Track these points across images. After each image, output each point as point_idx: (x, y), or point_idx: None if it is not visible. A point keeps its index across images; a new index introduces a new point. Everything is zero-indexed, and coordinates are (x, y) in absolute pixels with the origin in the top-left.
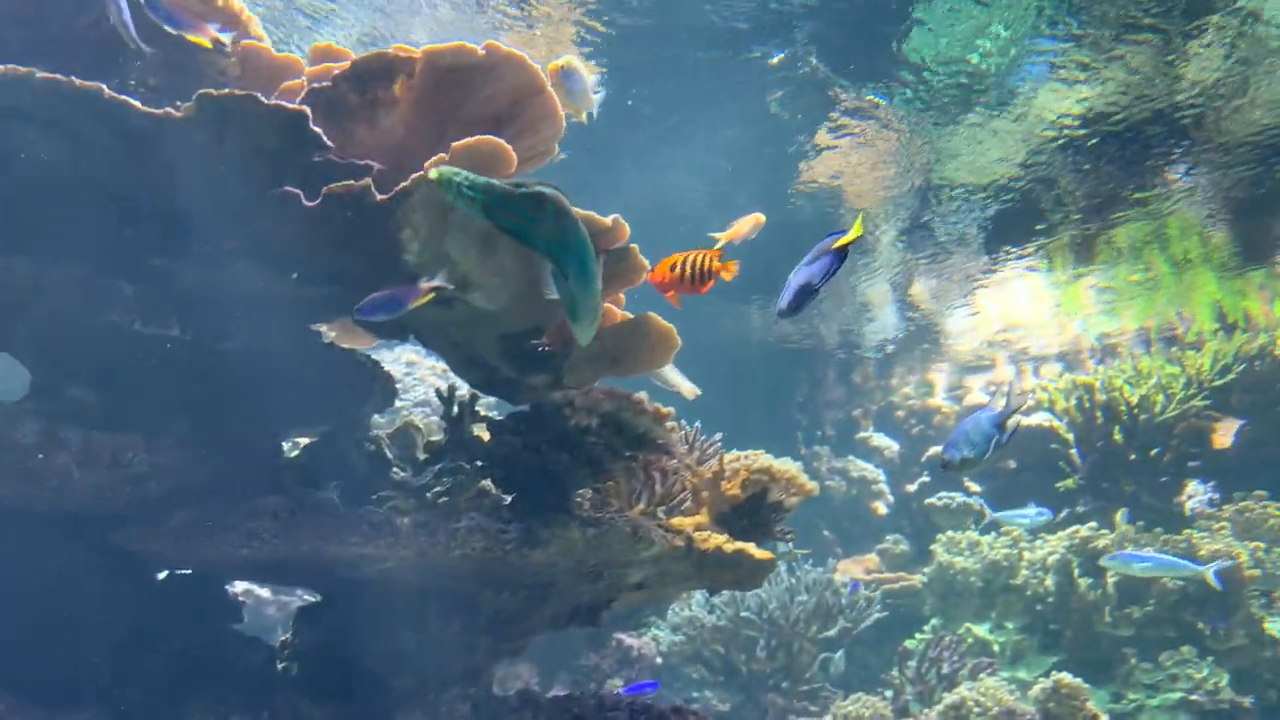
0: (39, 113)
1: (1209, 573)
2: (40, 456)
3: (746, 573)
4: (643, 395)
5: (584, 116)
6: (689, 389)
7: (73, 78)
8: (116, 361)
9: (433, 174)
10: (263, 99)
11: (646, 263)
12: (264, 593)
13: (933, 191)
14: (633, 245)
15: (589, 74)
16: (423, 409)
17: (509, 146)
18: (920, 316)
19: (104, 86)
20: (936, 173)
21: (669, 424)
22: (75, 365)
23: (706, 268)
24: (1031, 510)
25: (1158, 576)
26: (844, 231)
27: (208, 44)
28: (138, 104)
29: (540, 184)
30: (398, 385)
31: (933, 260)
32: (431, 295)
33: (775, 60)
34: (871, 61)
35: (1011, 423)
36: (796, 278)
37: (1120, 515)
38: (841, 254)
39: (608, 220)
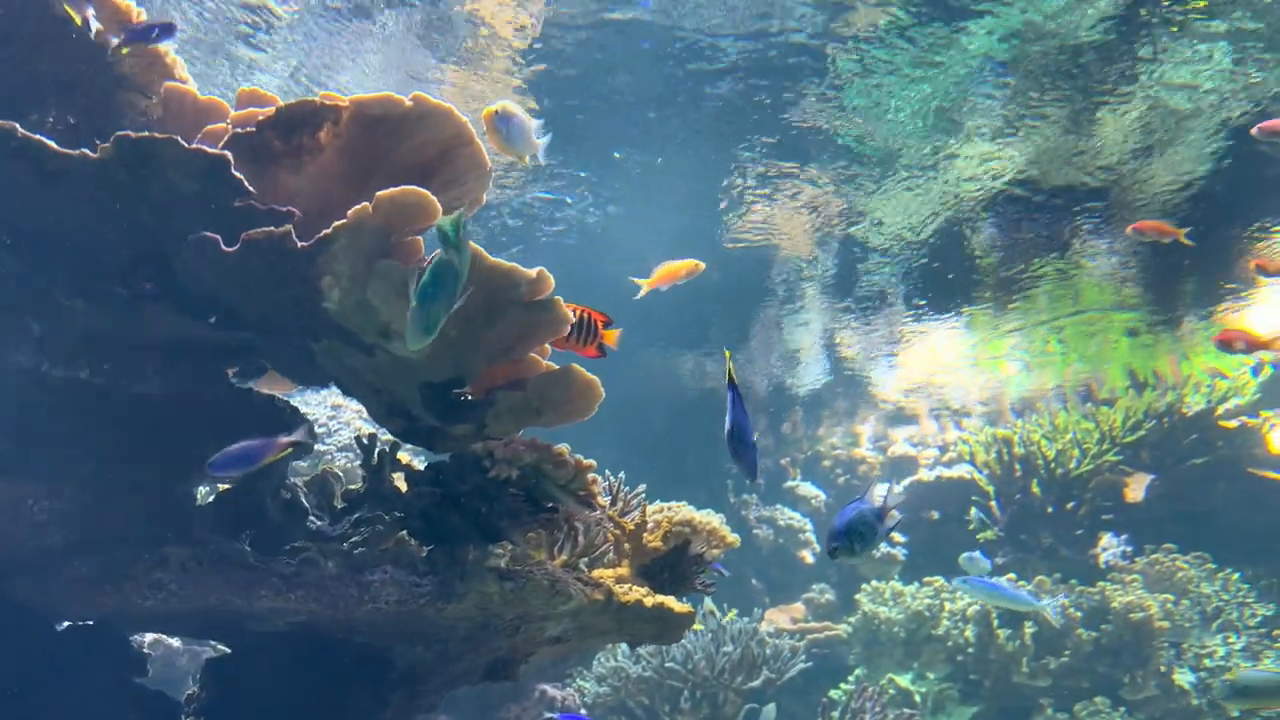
0: None
1: (1047, 609)
2: None
3: (667, 626)
4: (564, 447)
5: (526, 160)
6: None
7: None
8: (21, 404)
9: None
10: (183, 143)
11: (570, 314)
12: (175, 643)
13: (857, 246)
14: (556, 297)
15: (528, 118)
16: (347, 453)
17: (433, 198)
18: (846, 366)
19: (17, 125)
20: (860, 228)
21: (591, 476)
22: None
23: (589, 327)
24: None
25: (1001, 606)
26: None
27: (78, 20)
28: (52, 144)
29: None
30: (321, 429)
31: (857, 312)
32: (288, 450)
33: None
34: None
35: (890, 519)
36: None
37: (973, 511)
38: (733, 388)
39: (532, 272)
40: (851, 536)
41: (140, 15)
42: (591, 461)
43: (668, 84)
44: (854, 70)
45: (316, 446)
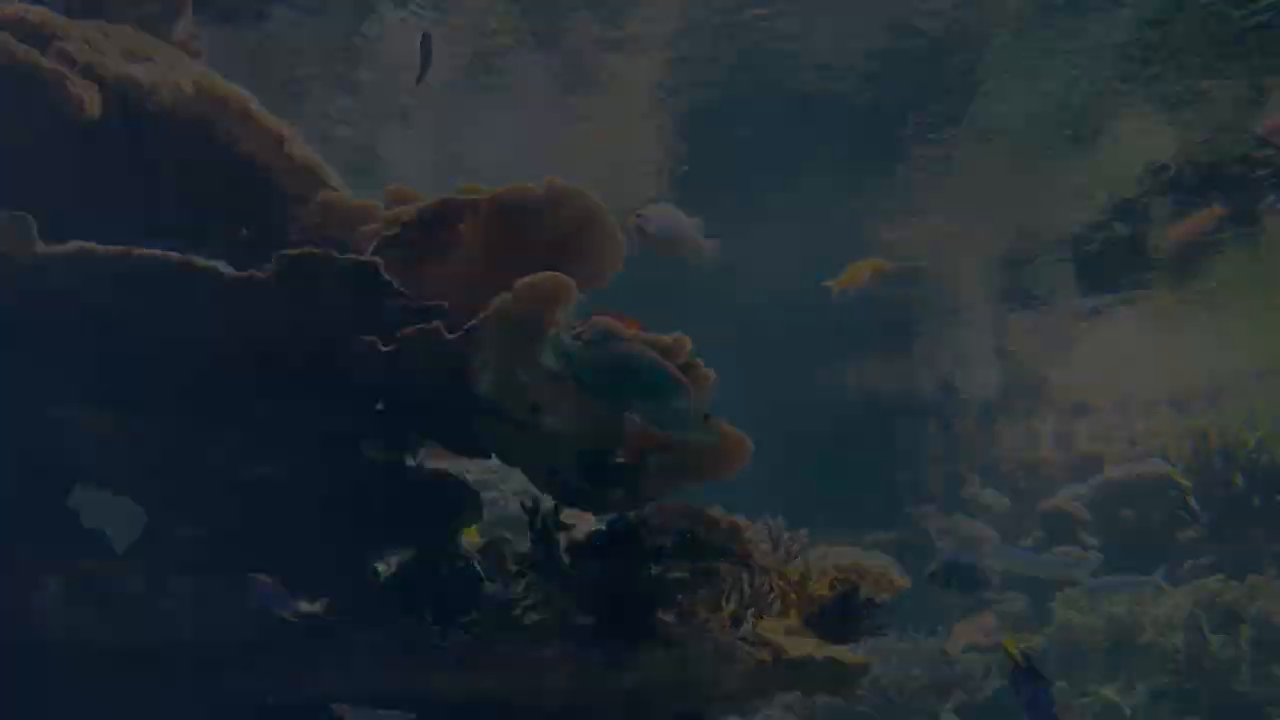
0: (144, 282)
1: (1076, 574)
2: (149, 603)
3: (840, 679)
4: (716, 510)
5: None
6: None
7: (171, 252)
8: (219, 504)
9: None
10: (337, 254)
11: (711, 374)
12: None
13: (1021, 239)
14: (697, 360)
15: (680, 216)
16: (519, 495)
17: (569, 281)
18: (1019, 364)
19: (195, 257)
20: (1023, 219)
21: (746, 536)
22: (181, 509)
23: None
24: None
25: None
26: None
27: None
28: (224, 267)
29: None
30: (494, 473)
31: (1027, 308)
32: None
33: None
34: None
35: (981, 586)
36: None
37: None
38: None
39: (668, 339)
40: (950, 576)
41: (289, 129)
42: (746, 522)
43: (811, 90)
44: (1006, 48)
45: (487, 494)
